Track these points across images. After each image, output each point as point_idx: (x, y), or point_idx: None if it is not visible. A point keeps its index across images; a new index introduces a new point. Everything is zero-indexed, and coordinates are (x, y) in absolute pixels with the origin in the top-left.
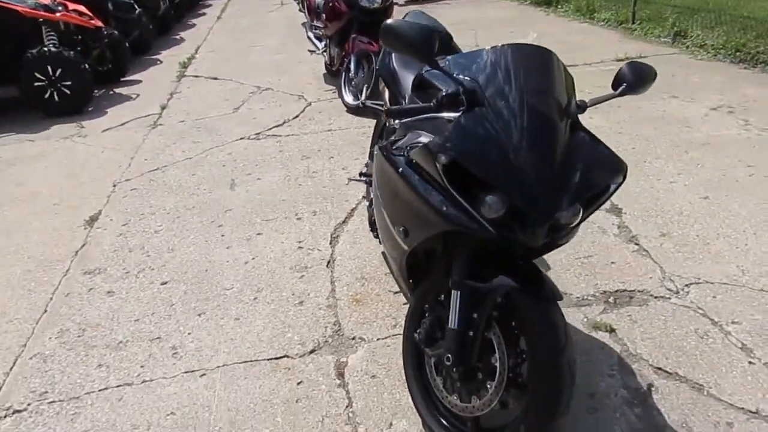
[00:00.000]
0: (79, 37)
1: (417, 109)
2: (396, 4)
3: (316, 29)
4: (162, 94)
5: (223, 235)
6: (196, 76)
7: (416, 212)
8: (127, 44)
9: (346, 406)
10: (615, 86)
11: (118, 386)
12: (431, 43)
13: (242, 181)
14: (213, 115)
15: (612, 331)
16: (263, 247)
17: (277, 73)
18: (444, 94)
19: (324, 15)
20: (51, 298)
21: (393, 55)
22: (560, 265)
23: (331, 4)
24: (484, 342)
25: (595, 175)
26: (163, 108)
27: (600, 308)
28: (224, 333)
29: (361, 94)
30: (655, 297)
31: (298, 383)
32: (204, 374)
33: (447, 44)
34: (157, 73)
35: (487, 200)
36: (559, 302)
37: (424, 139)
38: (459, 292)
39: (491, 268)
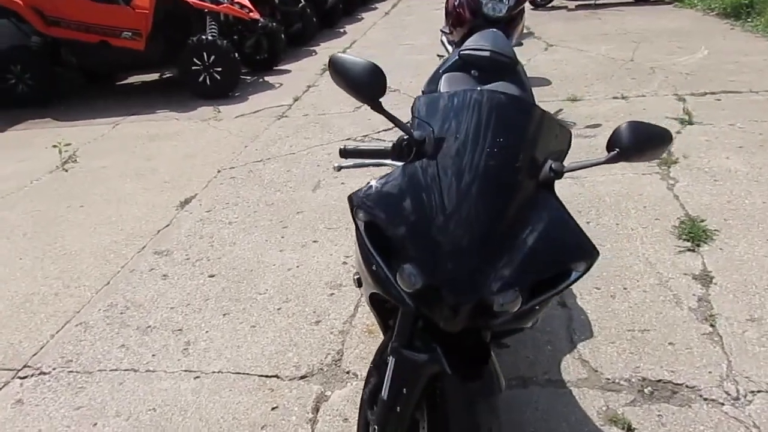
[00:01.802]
0: (238, 27)
1: (369, 151)
2: (565, 7)
3: (448, 34)
4: (301, 85)
5: (282, 237)
6: None
7: (359, 263)
8: (284, 35)
9: None
10: (608, 149)
11: (125, 370)
12: (376, 85)
13: (327, 184)
14: (333, 111)
15: (630, 430)
16: (312, 256)
17: (411, 74)
18: (398, 139)
19: (451, 20)
20: (118, 272)
21: (443, 77)
22: (605, 335)
23: (457, 11)
24: (413, 422)
25: (549, 257)
26: (295, 100)
27: (629, 398)
28: (235, 338)
29: None
30: (705, 399)
31: (273, 408)
32: (198, 377)
33: (509, 69)
34: (307, 65)
35: (405, 269)
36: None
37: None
38: (394, 360)
39: (436, 339)
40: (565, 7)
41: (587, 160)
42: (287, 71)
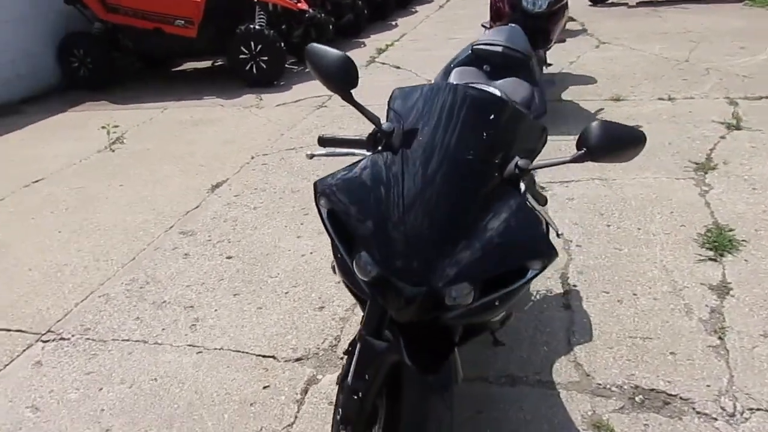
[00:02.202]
0: (287, 17)
1: (346, 141)
2: (625, 4)
3: (488, 28)
4: None
5: (302, 224)
6: (383, 63)
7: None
8: (334, 26)
9: (287, 426)
10: (578, 147)
11: (135, 341)
12: (347, 76)
13: None
14: (371, 104)
15: None
16: (326, 243)
17: None
18: (372, 130)
19: (491, 14)
20: (144, 249)
21: (454, 71)
22: (605, 340)
23: (497, 5)
24: (374, 409)
25: (504, 253)
26: None
27: (617, 405)
28: (241, 318)
29: None
30: (697, 412)
31: (265, 387)
32: (200, 352)
33: (522, 65)
34: (352, 57)
35: (362, 257)
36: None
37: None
38: (359, 346)
39: (402, 329)
40: (626, 4)
41: (554, 159)
42: None
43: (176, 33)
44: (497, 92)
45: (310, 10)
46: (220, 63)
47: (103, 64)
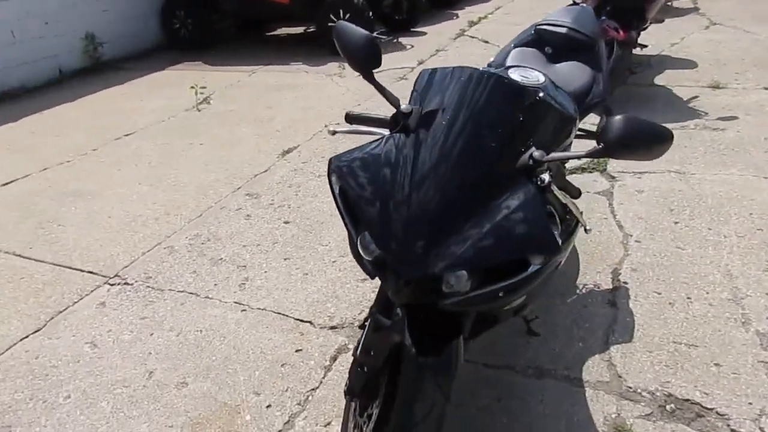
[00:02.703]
0: None
1: (372, 119)
2: None
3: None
4: (430, 49)
5: None
6: (472, 37)
7: None
8: None
9: (312, 389)
10: (597, 141)
11: (189, 293)
12: (370, 54)
13: None
14: None
15: None
16: None
17: None
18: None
19: None
20: (210, 207)
21: (513, 51)
22: (645, 343)
23: None
24: (376, 384)
25: (504, 243)
26: (419, 63)
27: (645, 411)
28: (287, 282)
29: None
30: (731, 429)
31: (297, 350)
32: (245, 310)
33: (586, 47)
34: (443, 29)
35: (365, 236)
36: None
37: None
38: (370, 322)
39: (411, 310)
40: None
41: (571, 152)
42: (423, 33)
43: None
44: (536, 78)
45: None
46: (312, 30)
47: (202, 26)
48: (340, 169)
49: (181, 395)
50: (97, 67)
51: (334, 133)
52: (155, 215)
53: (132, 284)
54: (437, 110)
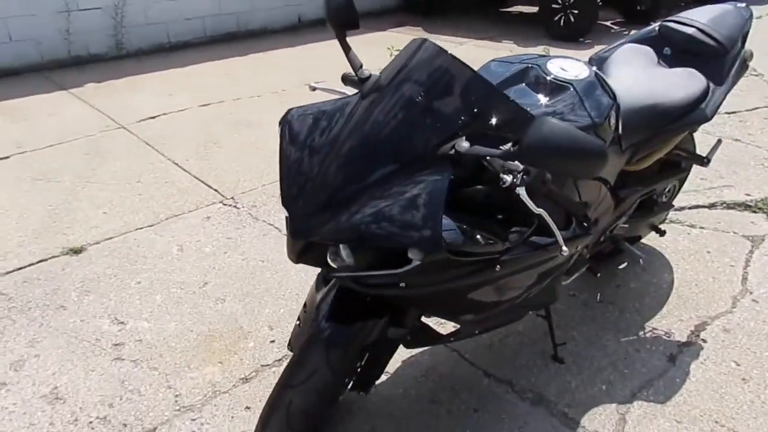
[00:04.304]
0: None
1: (354, 80)
2: None
3: None
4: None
5: None
6: None
7: None
8: None
9: None
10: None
11: (275, 227)
12: (350, 16)
13: None
14: None
15: None
16: None
17: None
18: None
19: None
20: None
21: (623, 47)
22: (679, 412)
23: None
24: None
25: (388, 228)
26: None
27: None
28: None
29: None
30: None
31: None
32: None
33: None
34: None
35: (282, 191)
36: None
37: None
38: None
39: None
40: None
41: (489, 149)
42: (589, 46)
43: None
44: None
45: None
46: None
47: None
48: (287, 121)
49: (214, 309)
50: None
51: (314, 89)
52: None
53: (239, 208)
54: (391, 80)
